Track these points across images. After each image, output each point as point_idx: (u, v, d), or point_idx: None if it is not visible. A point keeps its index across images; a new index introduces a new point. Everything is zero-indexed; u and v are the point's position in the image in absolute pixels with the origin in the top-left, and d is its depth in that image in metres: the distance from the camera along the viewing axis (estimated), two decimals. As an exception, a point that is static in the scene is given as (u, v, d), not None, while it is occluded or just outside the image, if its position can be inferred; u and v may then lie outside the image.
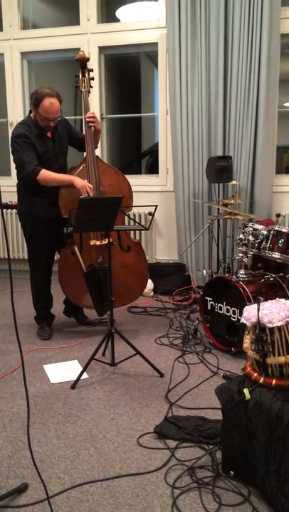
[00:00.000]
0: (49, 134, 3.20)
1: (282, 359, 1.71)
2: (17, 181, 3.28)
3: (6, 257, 5.14)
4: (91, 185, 3.15)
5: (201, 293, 3.22)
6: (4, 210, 4.93)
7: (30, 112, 3.17)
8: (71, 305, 3.55)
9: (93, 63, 4.54)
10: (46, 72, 5.45)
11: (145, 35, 4.57)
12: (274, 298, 1.97)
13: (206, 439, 2.07)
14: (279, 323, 1.70)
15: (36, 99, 3.02)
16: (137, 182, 4.20)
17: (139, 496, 1.77)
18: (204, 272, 3.66)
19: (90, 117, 3.25)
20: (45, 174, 3.07)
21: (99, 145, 3.77)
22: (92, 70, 3.34)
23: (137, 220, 4.69)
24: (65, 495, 1.78)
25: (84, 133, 3.31)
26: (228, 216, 3.62)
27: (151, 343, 3.26)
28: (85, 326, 3.61)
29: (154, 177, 4.85)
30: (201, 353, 3.05)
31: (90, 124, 3.25)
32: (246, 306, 1.88)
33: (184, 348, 3.14)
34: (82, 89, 3.31)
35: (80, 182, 3.12)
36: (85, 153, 3.31)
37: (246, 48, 4.08)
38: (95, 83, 3.35)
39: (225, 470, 1.86)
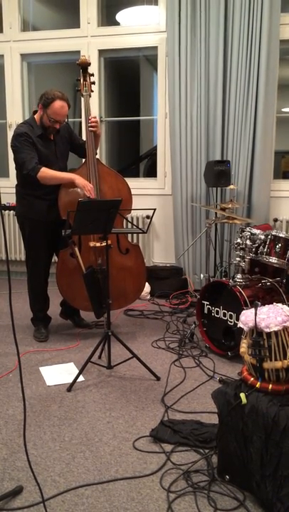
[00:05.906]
0: (51, 137, 3.21)
1: (278, 364, 1.72)
2: (16, 183, 3.28)
3: (4, 258, 5.13)
4: (92, 185, 3.15)
5: (198, 297, 3.22)
6: (2, 212, 4.92)
7: (34, 112, 3.18)
8: (68, 307, 3.54)
9: (93, 66, 4.55)
10: (46, 74, 5.45)
11: (145, 38, 4.59)
12: (271, 303, 1.98)
13: (201, 443, 2.07)
14: (276, 328, 1.71)
15: (47, 100, 3.03)
16: (135, 185, 4.20)
17: (135, 499, 1.77)
18: (201, 275, 3.67)
19: (92, 121, 3.25)
20: (45, 172, 3.06)
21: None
22: (92, 75, 3.35)
23: (135, 223, 4.69)
24: (60, 498, 1.78)
25: (85, 136, 3.32)
26: (225, 220, 3.63)
27: (147, 347, 3.26)
28: (81, 328, 3.61)
29: (152, 180, 4.86)
30: (198, 357, 3.05)
31: (91, 129, 3.26)
32: (244, 311, 1.88)
33: (181, 352, 3.14)
34: (84, 93, 3.33)
35: (81, 181, 3.12)
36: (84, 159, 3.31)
37: (245, 53, 4.10)
38: (94, 86, 3.37)
39: (220, 474, 1.86)
